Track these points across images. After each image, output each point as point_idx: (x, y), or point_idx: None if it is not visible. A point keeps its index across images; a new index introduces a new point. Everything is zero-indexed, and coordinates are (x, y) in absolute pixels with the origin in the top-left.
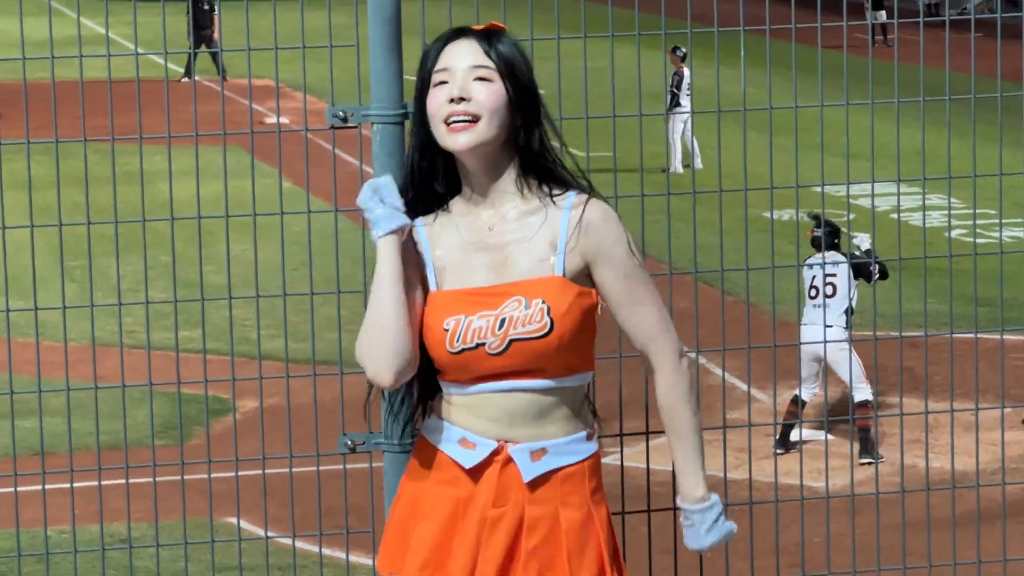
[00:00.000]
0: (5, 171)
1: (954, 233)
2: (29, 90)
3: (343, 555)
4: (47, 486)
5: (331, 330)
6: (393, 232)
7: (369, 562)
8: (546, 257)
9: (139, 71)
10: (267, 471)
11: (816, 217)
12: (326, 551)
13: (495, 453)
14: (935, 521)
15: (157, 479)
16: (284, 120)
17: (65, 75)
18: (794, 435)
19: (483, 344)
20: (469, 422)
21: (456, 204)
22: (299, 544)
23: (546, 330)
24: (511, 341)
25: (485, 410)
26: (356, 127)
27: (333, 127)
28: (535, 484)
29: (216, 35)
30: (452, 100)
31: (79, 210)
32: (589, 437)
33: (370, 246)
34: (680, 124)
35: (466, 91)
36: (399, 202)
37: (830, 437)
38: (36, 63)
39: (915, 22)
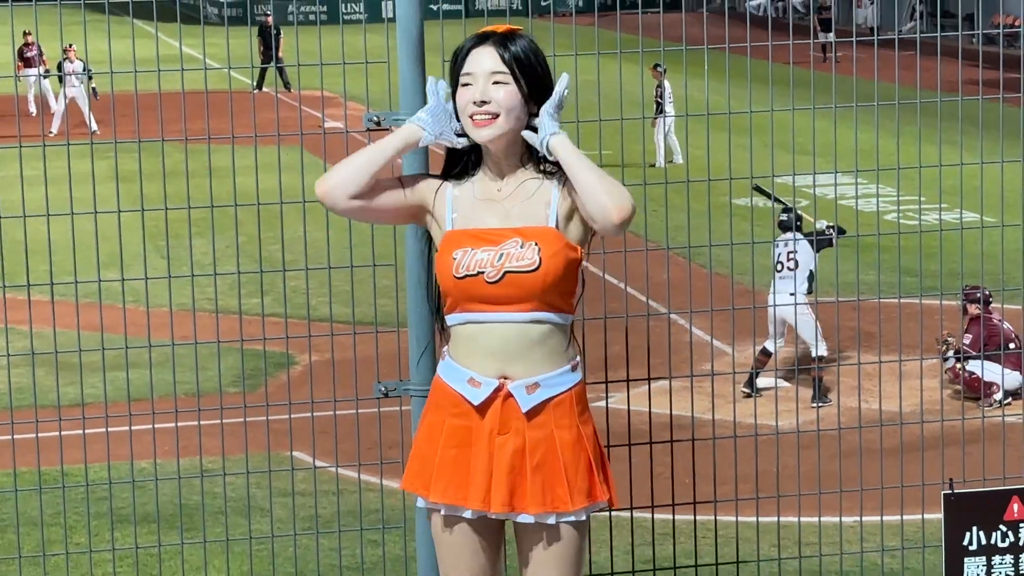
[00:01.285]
0: (105, 166)
1: (889, 216)
2: (122, 100)
3: (378, 480)
4: (133, 427)
5: (369, 297)
6: (427, 142)
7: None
8: (542, 214)
9: (231, 84)
10: (316, 413)
11: (759, 189)
12: (365, 477)
13: (497, 390)
14: (867, 452)
15: (225, 420)
16: (333, 123)
17: (147, 87)
18: (760, 382)
19: (482, 273)
20: (474, 362)
21: (479, 172)
22: (342, 472)
23: (535, 266)
24: (506, 272)
25: (486, 342)
26: (388, 129)
27: (369, 129)
28: (532, 413)
29: (281, 53)
30: (475, 103)
31: (170, 199)
32: (573, 369)
33: (400, 228)
34: (663, 129)
35: (486, 94)
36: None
37: (786, 384)
38: (126, 77)
39: (849, 41)
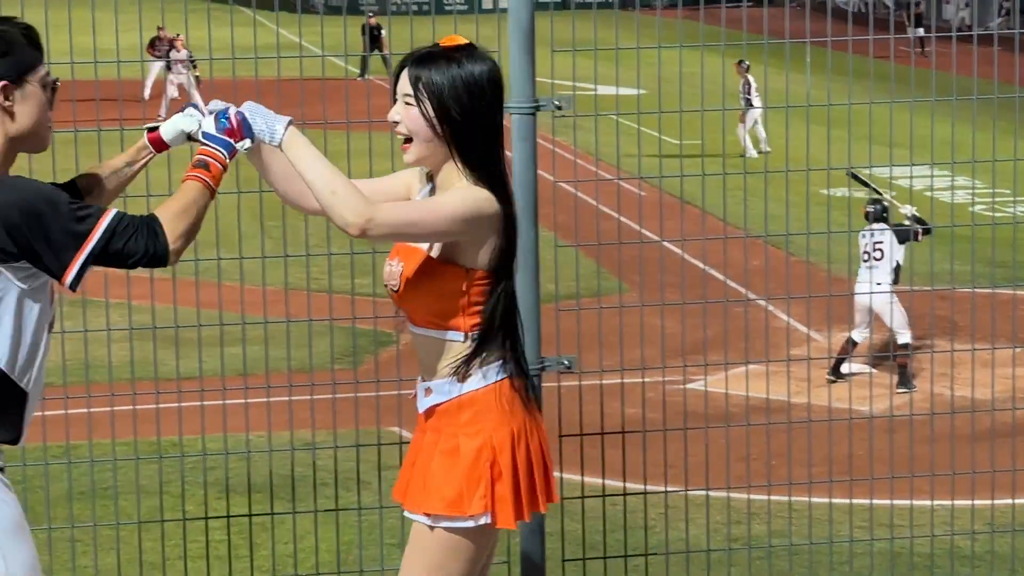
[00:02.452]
0: None
1: (977, 208)
2: (234, 86)
3: None
4: (249, 400)
5: None
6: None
7: None
8: None
9: (324, 72)
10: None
11: (855, 177)
12: None
13: (416, 391)
14: (958, 438)
15: (323, 396)
16: None
17: (265, 75)
18: (844, 368)
19: (387, 284)
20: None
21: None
22: None
23: (396, 287)
24: (391, 290)
25: (415, 344)
26: None
27: None
28: (426, 415)
29: (385, 51)
30: (392, 122)
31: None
32: (462, 380)
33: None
34: (751, 120)
35: (397, 114)
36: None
37: (874, 371)
38: (240, 64)
39: (941, 36)
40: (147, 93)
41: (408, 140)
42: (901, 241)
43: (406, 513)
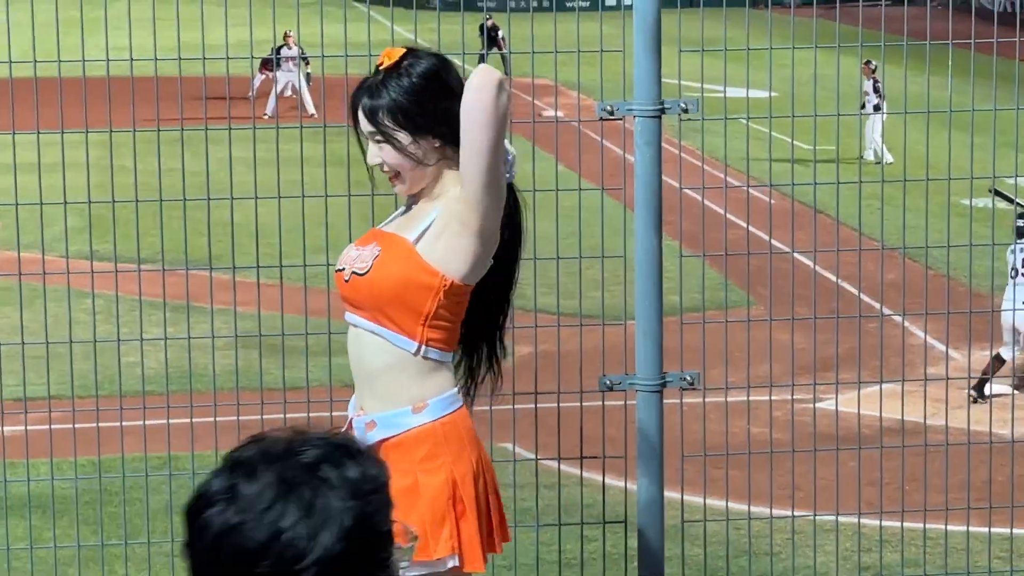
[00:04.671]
0: (328, 151)
1: None
2: (346, 84)
3: (599, 477)
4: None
5: (595, 289)
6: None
7: (621, 483)
8: (413, 227)
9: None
10: (539, 405)
11: (998, 193)
12: (586, 474)
13: (349, 425)
14: None
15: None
16: (560, 113)
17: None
18: (987, 389)
19: (342, 269)
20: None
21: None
22: (563, 467)
23: (365, 270)
24: (352, 273)
25: (352, 352)
26: (621, 119)
27: (601, 119)
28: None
29: (503, 51)
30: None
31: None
32: (416, 410)
33: (631, 218)
34: (880, 124)
35: (376, 156)
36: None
37: (1017, 392)
38: (353, 61)
39: None
40: (271, 109)
41: (396, 174)
42: None
43: None
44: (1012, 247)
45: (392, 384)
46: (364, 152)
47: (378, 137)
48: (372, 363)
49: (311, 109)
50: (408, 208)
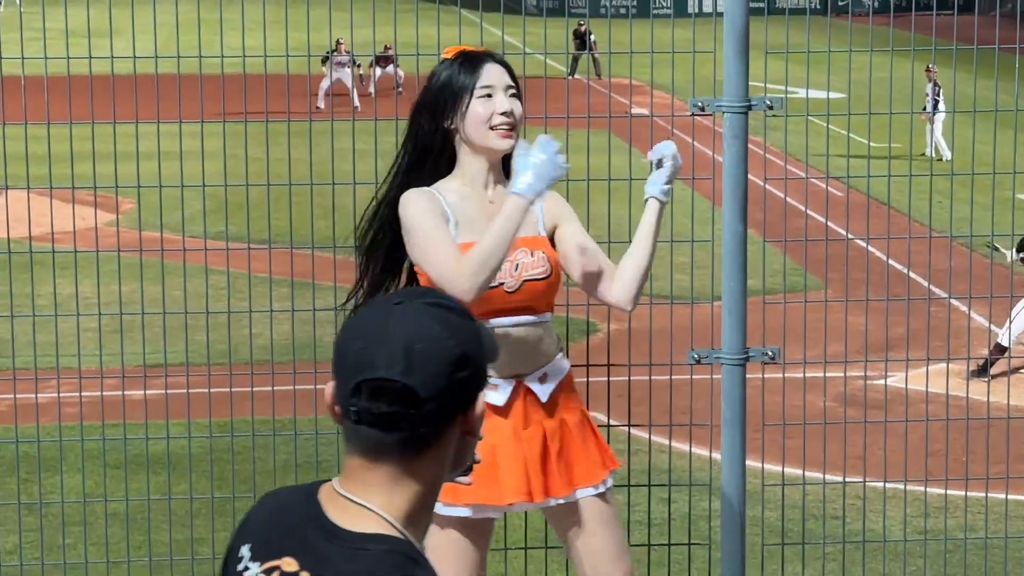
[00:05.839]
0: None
1: None
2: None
3: (686, 447)
4: None
5: (681, 272)
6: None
7: (706, 452)
8: (531, 222)
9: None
10: (632, 377)
11: None
12: (674, 443)
13: (516, 389)
14: None
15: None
16: (639, 110)
17: None
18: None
19: (502, 284)
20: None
21: (452, 182)
22: (653, 436)
23: (547, 273)
24: (524, 281)
25: (501, 346)
26: (711, 115)
27: (693, 114)
28: (547, 403)
29: (596, 55)
30: (503, 112)
31: None
32: (566, 354)
33: (717, 212)
34: (939, 124)
35: (510, 105)
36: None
37: None
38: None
39: None
40: (321, 103)
41: (511, 129)
42: None
43: (566, 498)
44: None
45: (550, 341)
46: (466, 107)
47: (513, 91)
48: (535, 339)
49: (356, 102)
50: (482, 202)
